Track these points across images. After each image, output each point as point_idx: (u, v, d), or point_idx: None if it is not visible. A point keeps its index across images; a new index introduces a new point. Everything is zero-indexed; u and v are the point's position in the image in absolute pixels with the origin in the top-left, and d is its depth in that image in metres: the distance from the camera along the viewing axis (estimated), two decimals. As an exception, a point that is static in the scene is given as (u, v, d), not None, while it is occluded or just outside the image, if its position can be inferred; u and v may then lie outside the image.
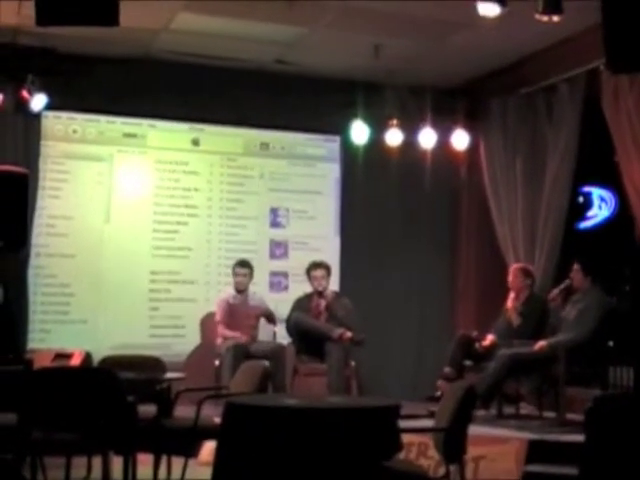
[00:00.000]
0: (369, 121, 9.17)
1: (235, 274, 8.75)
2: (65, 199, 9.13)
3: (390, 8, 7.63)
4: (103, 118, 9.29)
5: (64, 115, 9.13)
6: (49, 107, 8.59)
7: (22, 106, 8.47)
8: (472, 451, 5.45)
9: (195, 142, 9.63)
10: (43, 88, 8.36)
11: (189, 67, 9.08)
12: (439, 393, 7.33)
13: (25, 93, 8.35)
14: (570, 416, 7.22)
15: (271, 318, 8.80)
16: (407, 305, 9.72)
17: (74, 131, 9.22)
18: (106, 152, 9.31)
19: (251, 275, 8.80)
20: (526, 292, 8.05)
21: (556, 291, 7.82)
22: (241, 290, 8.75)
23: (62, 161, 9.15)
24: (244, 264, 8.78)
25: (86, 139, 9.25)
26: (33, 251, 8.79)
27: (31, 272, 8.78)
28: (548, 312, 7.84)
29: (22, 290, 8.60)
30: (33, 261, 8.81)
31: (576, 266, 7.65)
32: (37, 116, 8.75)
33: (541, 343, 7.36)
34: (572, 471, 4.41)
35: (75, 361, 7.69)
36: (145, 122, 9.44)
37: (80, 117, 9.22)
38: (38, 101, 8.41)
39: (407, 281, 9.74)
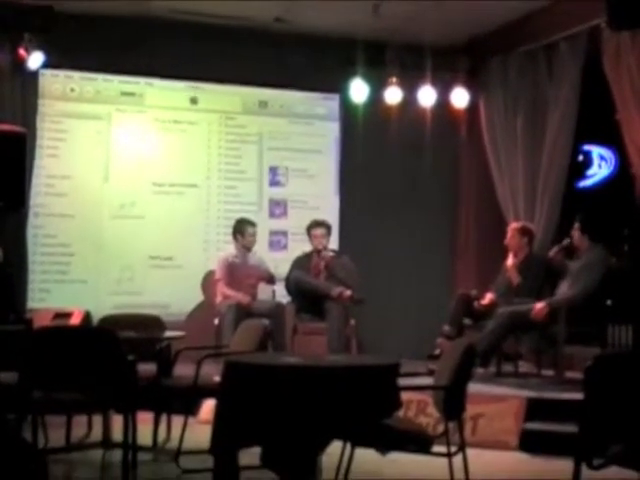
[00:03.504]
0: (368, 79, 9.14)
1: (248, 234, 8.73)
2: (63, 158, 9.08)
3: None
4: (100, 77, 9.23)
5: (61, 74, 9.06)
6: (46, 65, 8.56)
7: (19, 65, 8.43)
8: (471, 409, 5.48)
9: (193, 101, 9.57)
10: (40, 46, 8.31)
11: (187, 25, 9.00)
12: (439, 351, 7.35)
13: (22, 51, 8.31)
14: (569, 374, 7.27)
15: (271, 280, 8.83)
16: (407, 264, 9.70)
17: (72, 90, 9.15)
18: (104, 111, 9.26)
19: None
20: (525, 250, 8.02)
21: (555, 249, 7.81)
22: (249, 248, 8.76)
23: (60, 120, 9.09)
24: (253, 224, 8.80)
25: (84, 98, 9.19)
26: (32, 211, 8.77)
27: (30, 232, 8.76)
28: (548, 270, 7.82)
29: (21, 250, 8.59)
30: (32, 221, 8.79)
31: (577, 224, 7.64)
32: (34, 75, 8.69)
33: (540, 305, 7.30)
34: (571, 428, 4.42)
35: (75, 320, 7.71)
36: (143, 80, 9.38)
37: (77, 75, 9.15)
38: (35, 59, 8.37)
39: (407, 240, 9.70)
